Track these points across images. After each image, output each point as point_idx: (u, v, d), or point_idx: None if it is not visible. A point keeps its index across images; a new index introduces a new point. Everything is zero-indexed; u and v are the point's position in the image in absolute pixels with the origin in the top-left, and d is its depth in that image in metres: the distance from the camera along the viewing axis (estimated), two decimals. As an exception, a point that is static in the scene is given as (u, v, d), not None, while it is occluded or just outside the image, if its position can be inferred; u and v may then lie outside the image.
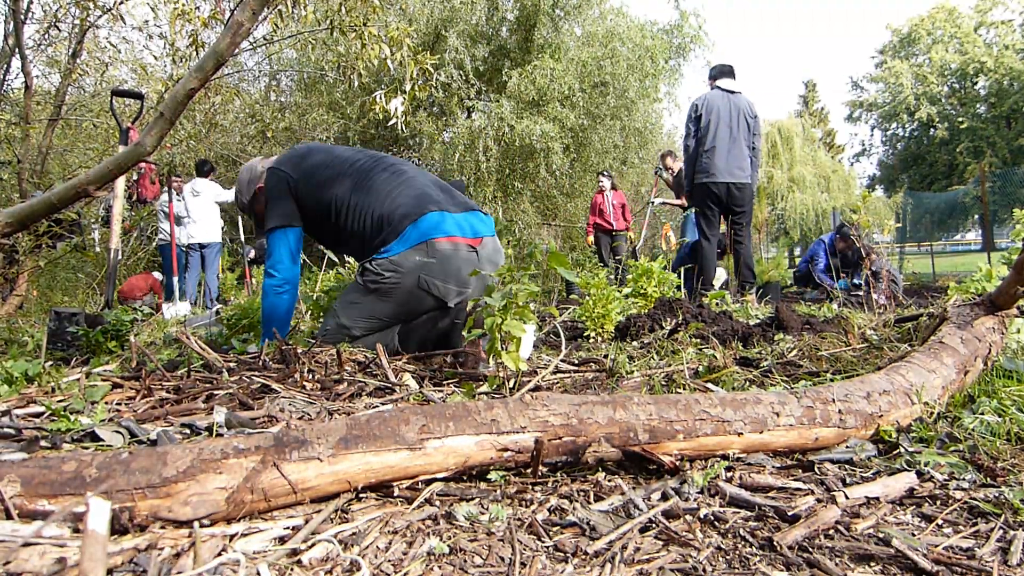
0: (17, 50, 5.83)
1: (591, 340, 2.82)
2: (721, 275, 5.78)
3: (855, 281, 6.86)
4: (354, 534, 0.87)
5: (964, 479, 1.06)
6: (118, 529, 0.81)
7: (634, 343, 2.59)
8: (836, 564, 0.80)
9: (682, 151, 5.48)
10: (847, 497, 0.97)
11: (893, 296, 4.00)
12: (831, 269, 7.14)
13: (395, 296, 2.33)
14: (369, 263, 2.34)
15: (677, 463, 1.10)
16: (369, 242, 2.37)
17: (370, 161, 2.54)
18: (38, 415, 1.46)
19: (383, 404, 1.60)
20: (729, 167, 5.06)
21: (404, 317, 2.41)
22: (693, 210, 5.45)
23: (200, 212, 7.36)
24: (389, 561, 0.80)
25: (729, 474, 1.10)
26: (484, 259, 2.43)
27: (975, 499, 0.98)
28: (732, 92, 5.16)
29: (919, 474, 1.08)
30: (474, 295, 2.39)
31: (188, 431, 1.34)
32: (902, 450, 1.18)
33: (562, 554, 0.83)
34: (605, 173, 8.96)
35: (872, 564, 0.80)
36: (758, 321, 2.92)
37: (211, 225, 7.41)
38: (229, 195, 7.48)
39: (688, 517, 0.94)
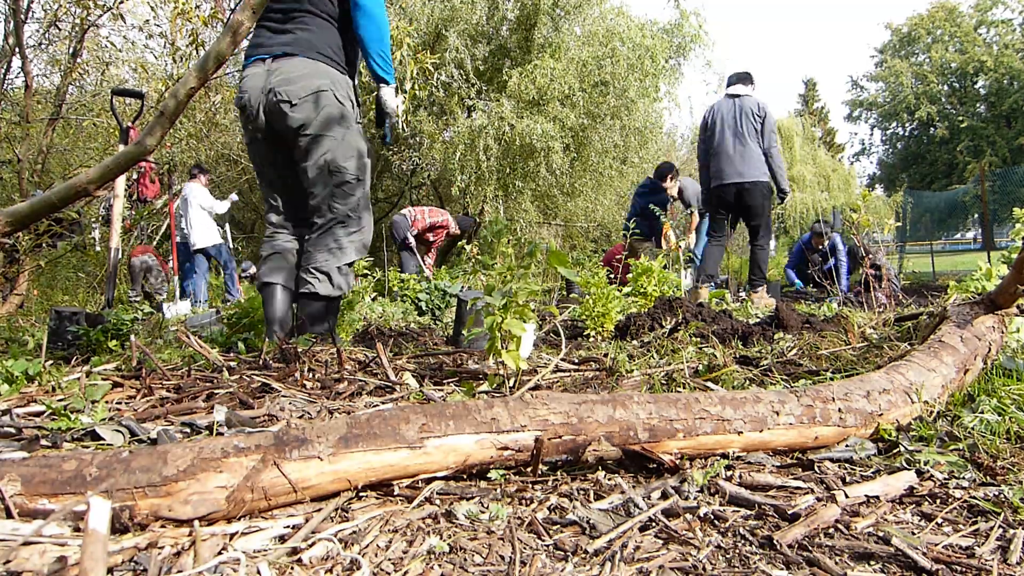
0: (17, 49, 5.84)
1: (591, 339, 2.82)
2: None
3: (806, 286, 7.62)
4: (354, 533, 0.87)
5: (964, 478, 1.06)
6: (118, 528, 0.81)
7: (634, 342, 2.59)
8: (836, 563, 0.80)
9: (696, 155, 5.74)
10: (847, 496, 0.97)
11: (892, 295, 4.01)
12: (800, 270, 8.05)
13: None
14: None
15: (677, 462, 1.10)
16: None
17: None
18: (38, 414, 1.46)
19: (383, 403, 1.60)
20: (735, 169, 5.10)
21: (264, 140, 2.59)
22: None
23: (194, 218, 7.38)
24: (389, 560, 0.80)
25: (729, 473, 1.10)
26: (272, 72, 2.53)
27: (975, 498, 0.98)
28: (739, 96, 5.19)
29: (919, 473, 1.08)
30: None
31: (188, 430, 1.34)
32: (902, 449, 1.19)
33: (562, 553, 0.83)
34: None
35: (872, 563, 0.81)
36: (758, 320, 2.92)
37: (206, 229, 7.41)
38: (215, 204, 7.49)
39: (688, 516, 0.94)
